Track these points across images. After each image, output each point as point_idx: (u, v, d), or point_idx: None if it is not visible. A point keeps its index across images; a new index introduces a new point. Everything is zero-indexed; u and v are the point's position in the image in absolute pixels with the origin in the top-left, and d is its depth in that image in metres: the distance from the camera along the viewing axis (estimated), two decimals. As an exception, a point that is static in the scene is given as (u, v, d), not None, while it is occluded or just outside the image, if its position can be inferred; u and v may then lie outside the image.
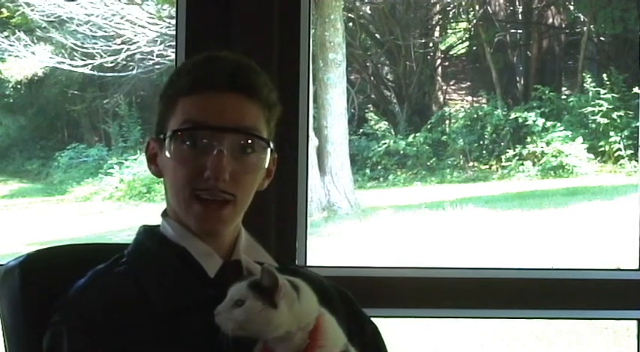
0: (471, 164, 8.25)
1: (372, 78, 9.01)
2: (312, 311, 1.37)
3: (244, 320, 1.32)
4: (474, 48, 9.21)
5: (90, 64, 7.87)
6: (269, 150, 1.52)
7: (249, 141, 1.49)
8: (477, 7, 8.97)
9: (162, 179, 1.56)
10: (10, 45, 7.88)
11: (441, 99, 9.01)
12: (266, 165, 1.53)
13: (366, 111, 8.59)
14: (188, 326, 1.42)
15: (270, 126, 1.53)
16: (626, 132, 7.76)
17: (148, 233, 1.56)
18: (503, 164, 8.06)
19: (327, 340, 1.36)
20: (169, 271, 1.49)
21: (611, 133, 7.80)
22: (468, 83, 9.30)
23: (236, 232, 1.55)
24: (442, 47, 9.26)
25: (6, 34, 7.88)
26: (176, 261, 1.50)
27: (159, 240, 1.53)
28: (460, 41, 9.32)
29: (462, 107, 8.83)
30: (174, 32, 2.27)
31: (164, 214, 1.56)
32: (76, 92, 8.52)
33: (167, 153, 1.49)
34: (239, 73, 1.51)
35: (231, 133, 1.47)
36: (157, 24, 7.92)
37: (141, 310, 1.44)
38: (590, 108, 7.95)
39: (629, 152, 7.72)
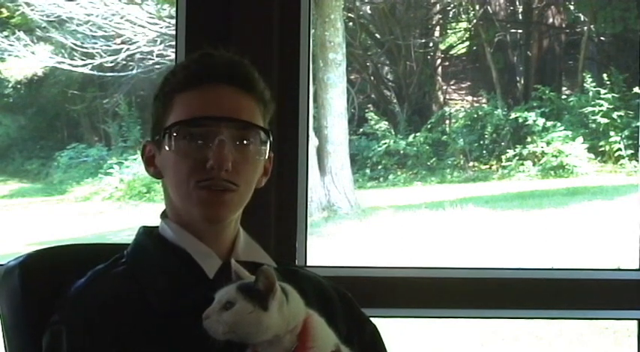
0: (471, 164, 8.24)
1: (372, 78, 9.01)
2: (299, 313, 1.36)
3: (234, 323, 1.32)
4: (474, 48, 9.21)
5: (90, 63, 7.87)
6: (268, 141, 1.52)
7: (248, 131, 1.50)
8: (477, 7, 8.96)
9: (160, 180, 1.56)
10: (10, 45, 7.88)
11: (441, 99, 9.01)
12: (266, 156, 1.53)
13: (366, 111, 8.58)
14: (187, 326, 1.41)
15: (265, 122, 1.54)
16: (626, 132, 7.75)
17: (147, 234, 1.56)
18: (503, 164, 8.05)
19: (316, 341, 1.36)
20: (169, 272, 1.50)
21: (612, 133, 7.80)
22: (468, 83, 9.30)
23: (235, 233, 1.55)
24: (442, 47, 9.26)
25: (6, 33, 7.88)
26: (175, 261, 1.50)
27: (158, 241, 1.54)
28: (460, 41, 9.32)
29: (462, 107, 8.83)
30: (174, 32, 2.27)
31: (163, 215, 1.56)
32: (75, 92, 8.51)
33: (167, 148, 1.49)
34: (235, 67, 1.52)
35: (230, 123, 1.48)
36: (157, 24, 7.92)
37: (140, 310, 1.44)
38: (590, 108, 7.95)
39: (629, 152, 7.72)
